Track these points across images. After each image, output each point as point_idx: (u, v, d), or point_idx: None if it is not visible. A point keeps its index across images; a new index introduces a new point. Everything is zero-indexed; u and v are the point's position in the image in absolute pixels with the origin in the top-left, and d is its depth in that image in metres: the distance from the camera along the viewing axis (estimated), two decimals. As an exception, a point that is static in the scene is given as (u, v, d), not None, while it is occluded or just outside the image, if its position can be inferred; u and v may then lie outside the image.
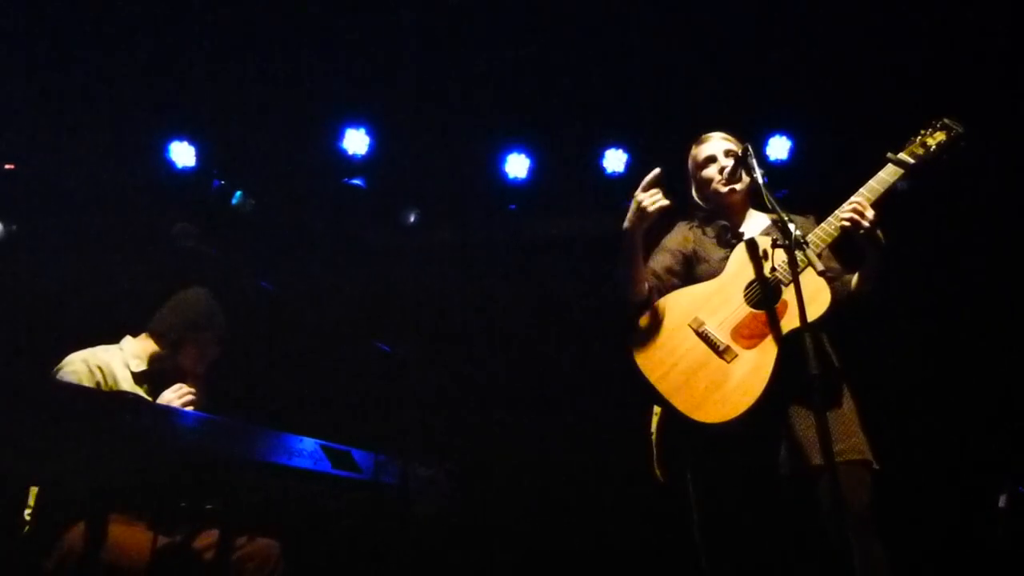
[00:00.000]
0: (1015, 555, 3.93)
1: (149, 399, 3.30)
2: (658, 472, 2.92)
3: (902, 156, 2.92)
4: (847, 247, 2.95)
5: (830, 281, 2.90)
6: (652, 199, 2.88)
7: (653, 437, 2.95)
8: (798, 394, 2.74)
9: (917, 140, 2.96)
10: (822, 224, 2.88)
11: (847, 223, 2.81)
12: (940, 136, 2.95)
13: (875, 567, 2.61)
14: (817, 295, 2.76)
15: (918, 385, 4.80)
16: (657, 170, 2.91)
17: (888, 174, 2.89)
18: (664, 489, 2.90)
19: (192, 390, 3.21)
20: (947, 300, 4.93)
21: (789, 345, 2.74)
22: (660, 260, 3.15)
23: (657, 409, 2.95)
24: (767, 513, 2.78)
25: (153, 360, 3.37)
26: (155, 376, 3.35)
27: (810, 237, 2.81)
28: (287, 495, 2.75)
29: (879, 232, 2.82)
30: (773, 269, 2.85)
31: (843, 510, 2.51)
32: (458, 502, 3.21)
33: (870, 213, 2.80)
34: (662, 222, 3.09)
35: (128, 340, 3.42)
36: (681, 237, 3.20)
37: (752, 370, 2.76)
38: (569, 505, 5.00)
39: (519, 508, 5.00)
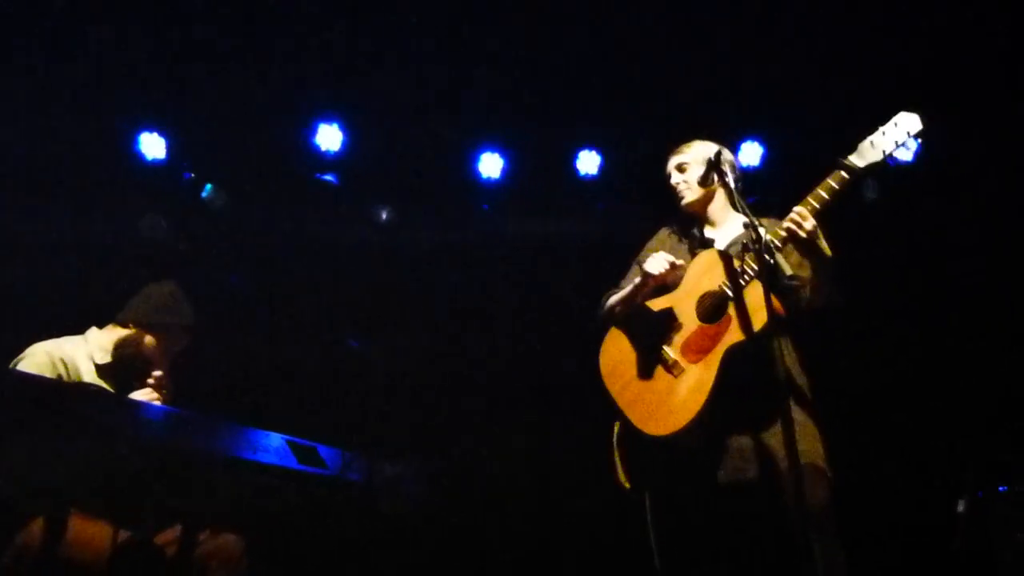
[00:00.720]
0: (974, 560, 3.98)
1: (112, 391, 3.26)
2: (623, 479, 2.95)
3: (851, 159, 2.83)
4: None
5: (797, 290, 2.91)
6: (657, 266, 2.99)
7: (615, 447, 2.98)
8: (752, 402, 2.76)
9: (868, 140, 2.86)
10: (772, 230, 2.85)
11: (785, 233, 2.79)
12: (893, 134, 2.84)
13: (834, 568, 2.63)
14: (760, 307, 2.70)
15: (879, 390, 4.84)
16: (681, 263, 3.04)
17: (835, 180, 2.81)
18: (630, 496, 2.93)
19: (159, 396, 3.19)
20: (913, 305, 4.98)
21: (734, 357, 2.78)
22: (637, 271, 3.20)
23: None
24: (722, 521, 2.82)
25: (118, 348, 3.32)
26: (120, 368, 3.31)
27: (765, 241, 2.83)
28: (252, 490, 2.72)
29: (821, 243, 2.80)
30: (731, 278, 2.86)
31: (803, 508, 2.53)
32: (425, 500, 3.21)
33: (809, 224, 2.76)
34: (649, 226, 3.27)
35: (94, 331, 3.37)
36: (659, 241, 3.27)
37: (695, 385, 2.80)
38: (539, 503, 5.01)
39: (487, 506, 5.00)
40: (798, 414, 2.83)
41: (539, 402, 5.25)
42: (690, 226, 3.23)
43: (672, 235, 3.26)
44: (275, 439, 2.65)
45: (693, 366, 2.83)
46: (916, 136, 2.85)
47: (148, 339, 3.36)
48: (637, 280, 3.07)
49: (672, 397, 2.81)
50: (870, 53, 4.33)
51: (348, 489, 2.84)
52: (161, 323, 3.38)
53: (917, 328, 4.95)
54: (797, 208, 2.81)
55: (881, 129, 2.87)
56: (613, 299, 3.17)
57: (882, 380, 4.87)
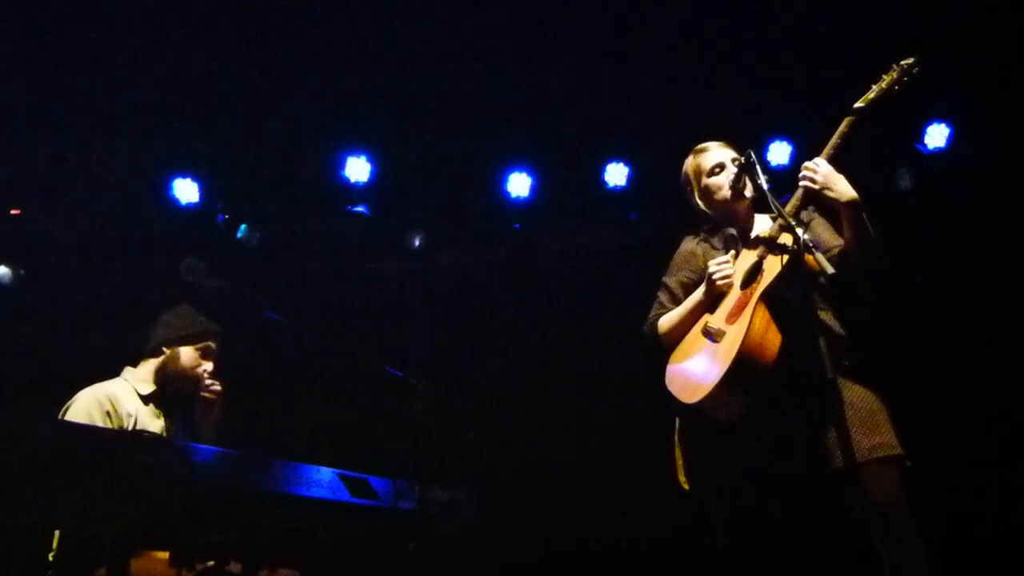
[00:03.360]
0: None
1: (164, 432, 3.37)
2: (682, 480, 2.91)
3: (856, 106, 2.95)
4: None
5: (841, 255, 2.90)
6: (723, 275, 2.94)
7: (676, 445, 2.94)
8: (818, 393, 2.71)
9: (871, 88, 2.99)
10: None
11: (802, 182, 2.86)
12: (892, 74, 2.98)
13: (910, 565, 2.58)
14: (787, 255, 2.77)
15: (930, 375, 4.75)
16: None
17: (843, 126, 2.93)
18: (689, 496, 2.89)
19: (217, 398, 3.46)
20: (952, 292, 4.90)
21: (772, 306, 2.78)
22: (676, 279, 3.18)
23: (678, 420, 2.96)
24: (792, 514, 2.77)
25: (159, 374, 3.47)
26: (167, 392, 3.47)
27: (785, 210, 2.82)
28: (307, 525, 2.74)
29: (839, 185, 2.83)
30: (762, 250, 2.87)
31: (870, 509, 2.49)
32: (477, 524, 3.20)
33: (823, 167, 2.83)
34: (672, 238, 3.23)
35: (129, 370, 3.51)
36: (689, 253, 3.20)
37: (732, 339, 2.79)
38: (591, 524, 4.98)
39: (538, 528, 4.98)
40: (870, 399, 2.80)
41: (581, 418, 5.23)
42: (719, 229, 3.16)
43: (701, 243, 3.18)
44: (326, 473, 2.68)
45: (731, 326, 2.83)
46: (913, 70, 2.98)
47: (184, 353, 3.49)
48: (697, 299, 3.03)
49: (714, 359, 2.81)
50: (897, 48, 4.30)
51: (402, 518, 2.85)
52: (191, 334, 3.52)
53: (961, 314, 4.87)
54: (811, 160, 2.88)
55: (883, 75, 3.01)
56: (670, 322, 3.09)
57: (934, 365, 4.78)
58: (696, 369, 2.86)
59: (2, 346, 4.96)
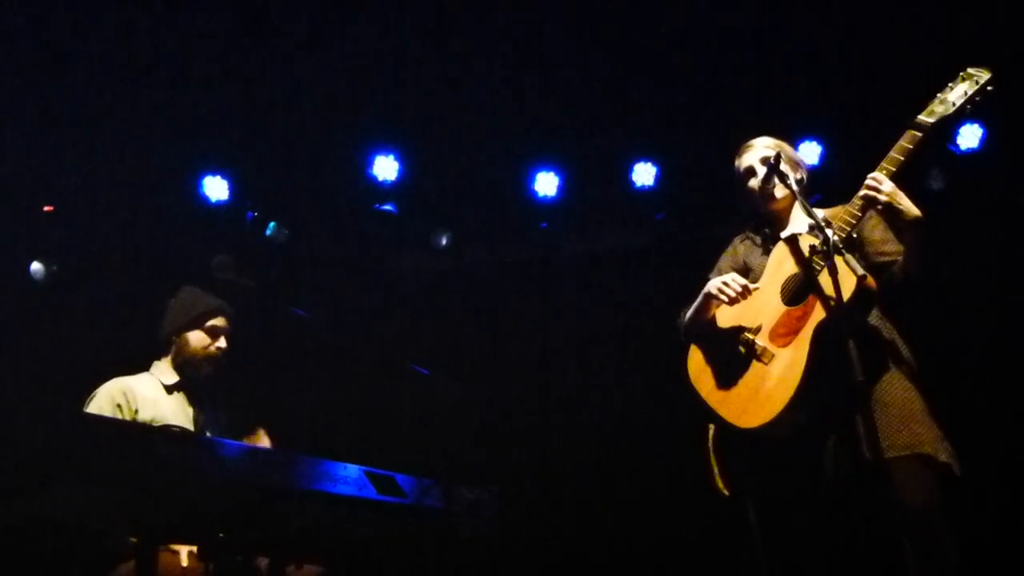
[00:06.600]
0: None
1: (193, 421, 3.43)
2: (721, 486, 2.88)
3: (921, 118, 2.78)
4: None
5: (888, 266, 2.82)
6: (729, 291, 2.88)
7: (711, 452, 2.92)
8: (852, 393, 2.67)
9: (936, 99, 2.80)
10: (846, 207, 2.80)
11: (863, 200, 2.73)
12: (963, 86, 2.78)
13: (938, 566, 2.54)
14: (843, 282, 2.64)
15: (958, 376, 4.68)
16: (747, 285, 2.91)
17: (907, 140, 2.77)
18: (729, 503, 2.86)
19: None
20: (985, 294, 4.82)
21: (825, 336, 2.70)
22: (715, 273, 3.16)
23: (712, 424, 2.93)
24: (829, 518, 2.74)
25: (176, 362, 3.51)
26: (188, 380, 3.50)
27: (836, 224, 2.73)
28: (333, 522, 2.75)
29: (904, 202, 2.71)
30: (807, 263, 2.79)
31: (899, 509, 2.46)
32: (502, 523, 3.20)
33: (886, 186, 2.70)
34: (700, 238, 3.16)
35: (155, 364, 3.56)
36: (732, 251, 3.21)
37: (787, 367, 2.73)
38: (615, 525, 4.95)
39: (563, 528, 4.97)
40: (907, 397, 2.76)
41: (609, 419, 5.21)
42: (761, 227, 3.15)
43: (745, 240, 3.19)
44: (353, 470, 2.68)
45: (783, 349, 2.77)
46: (987, 86, 2.78)
47: (193, 337, 3.50)
48: (701, 299, 3.01)
49: (764, 384, 2.75)
50: (926, 46, 4.24)
51: (428, 517, 2.85)
52: (193, 317, 3.51)
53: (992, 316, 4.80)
54: (871, 174, 2.74)
55: (949, 85, 2.81)
56: (687, 316, 3.09)
57: (961, 368, 4.71)
58: (744, 392, 2.80)
59: (35, 342, 5.03)
